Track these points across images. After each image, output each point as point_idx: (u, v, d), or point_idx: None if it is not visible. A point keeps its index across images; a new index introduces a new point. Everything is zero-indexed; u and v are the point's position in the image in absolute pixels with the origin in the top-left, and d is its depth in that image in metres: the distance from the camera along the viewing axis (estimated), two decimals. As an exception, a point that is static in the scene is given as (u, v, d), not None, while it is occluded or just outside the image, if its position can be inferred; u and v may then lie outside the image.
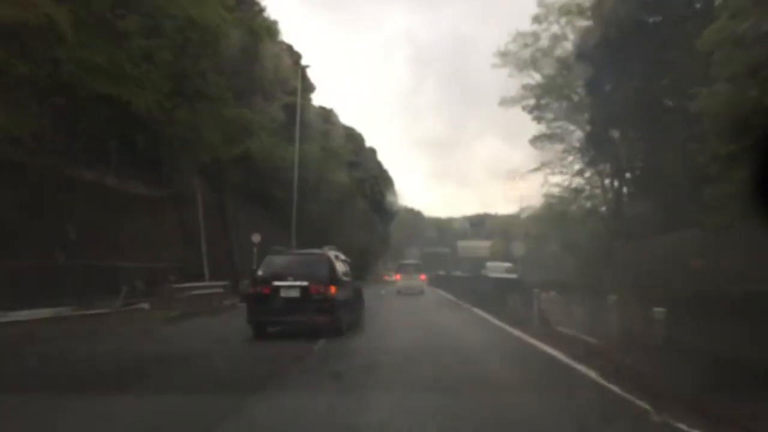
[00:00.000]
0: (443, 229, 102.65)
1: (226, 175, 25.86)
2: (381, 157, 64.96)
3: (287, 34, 40.54)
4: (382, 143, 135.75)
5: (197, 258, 21.65)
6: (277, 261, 11.68)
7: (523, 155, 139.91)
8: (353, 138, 53.51)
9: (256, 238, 22.65)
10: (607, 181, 30.59)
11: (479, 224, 67.91)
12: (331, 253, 12.20)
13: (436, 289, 35.08)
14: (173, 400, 5.96)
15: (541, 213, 37.12)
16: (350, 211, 48.19)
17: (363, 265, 55.31)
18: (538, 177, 31.79)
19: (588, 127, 27.89)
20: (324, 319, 10.80)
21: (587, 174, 31.50)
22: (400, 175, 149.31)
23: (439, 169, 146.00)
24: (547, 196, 32.30)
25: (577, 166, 31.41)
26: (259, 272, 11.45)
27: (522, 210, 75.56)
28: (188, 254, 21.71)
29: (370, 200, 57.47)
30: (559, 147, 31.48)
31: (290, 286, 10.92)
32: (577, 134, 31.43)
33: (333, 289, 11.09)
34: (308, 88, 44.84)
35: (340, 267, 12.19)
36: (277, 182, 28.79)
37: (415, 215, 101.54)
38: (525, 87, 31.01)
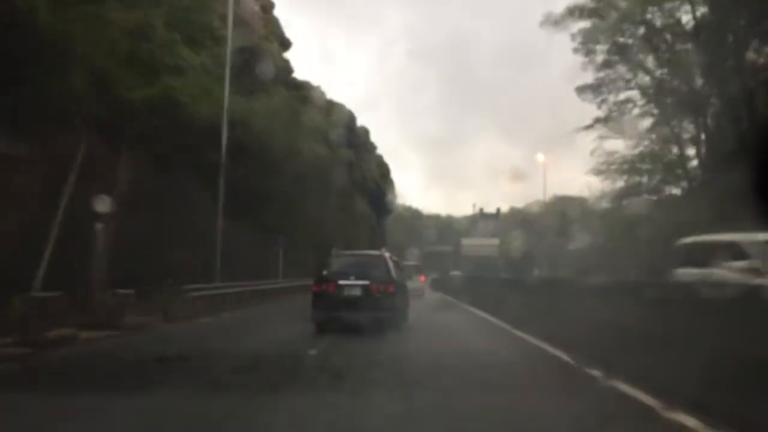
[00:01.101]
0: (444, 227, 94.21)
1: (129, 125, 16.58)
2: (378, 148, 55.91)
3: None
4: (382, 142, 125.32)
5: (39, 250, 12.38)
6: (340, 261, 12.25)
7: (524, 153, 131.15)
8: (342, 116, 44.25)
9: (98, 226, 13.01)
10: (679, 147, 21.45)
11: (491, 218, 57.69)
12: (386, 255, 12.65)
13: (463, 306, 24.52)
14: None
15: (580, 199, 27.68)
16: (337, 198, 38.98)
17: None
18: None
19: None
20: (383, 315, 11.26)
21: (653, 136, 22.32)
22: (399, 173, 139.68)
23: (439, 168, 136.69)
24: (599, 169, 23.06)
25: (645, 123, 22.28)
26: (324, 272, 11.85)
27: (529, 205, 66.75)
28: (30, 244, 12.42)
29: (362, 188, 48.29)
30: (618, 98, 22.36)
31: (353, 285, 11.38)
32: (641, 79, 22.28)
33: (391, 288, 11.65)
34: (284, 43, 35.68)
35: (393, 267, 12.46)
36: (217, 143, 19.48)
37: (413, 213, 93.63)
38: (572, 9, 21.78)
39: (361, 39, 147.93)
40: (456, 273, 51.10)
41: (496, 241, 70.92)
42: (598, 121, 22.44)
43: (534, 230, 51.61)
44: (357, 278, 11.42)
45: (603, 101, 22.92)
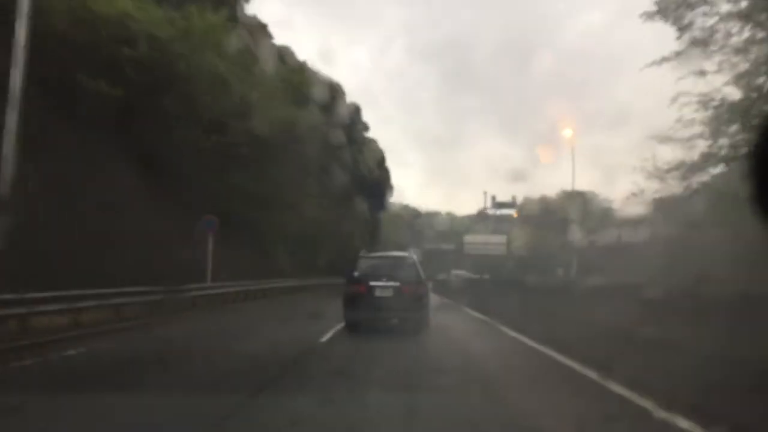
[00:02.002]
0: (445, 224, 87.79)
1: None
2: (373, 131, 48.49)
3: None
4: (380, 140, 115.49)
5: None
6: (370, 263, 12.16)
7: (526, 150, 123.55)
8: (324, 85, 36.75)
9: None
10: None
11: (507, 207, 48.91)
12: (414, 256, 12.83)
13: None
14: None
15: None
16: (319, 181, 31.63)
17: (334, 261, 38.82)
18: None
19: None
20: (414, 315, 11.29)
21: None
22: (398, 172, 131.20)
23: (439, 166, 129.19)
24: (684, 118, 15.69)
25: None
26: (355, 273, 11.73)
27: (543, 198, 58.97)
28: None
29: (353, 175, 40.90)
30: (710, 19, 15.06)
31: (384, 286, 11.32)
32: None
33: (421, 289, 11.71)
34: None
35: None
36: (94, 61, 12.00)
37: (412, 212, 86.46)
38: None
39: (359, 36, 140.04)
40: (460, 272, 43.92)
41: (503, 239, 63.68)
42: (693, 44, 15.03)
43: (552, 225, 44.20)
44: (388, 280, 11.38)
45: (686, 27, 15.56)
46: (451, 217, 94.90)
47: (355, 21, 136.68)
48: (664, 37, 16.92)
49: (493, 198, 43.18)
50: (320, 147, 30.25)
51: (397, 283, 11.26)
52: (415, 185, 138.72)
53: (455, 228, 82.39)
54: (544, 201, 48.86)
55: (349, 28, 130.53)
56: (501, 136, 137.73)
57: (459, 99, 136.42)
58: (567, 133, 35.69)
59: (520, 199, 45.79)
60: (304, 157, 27.13)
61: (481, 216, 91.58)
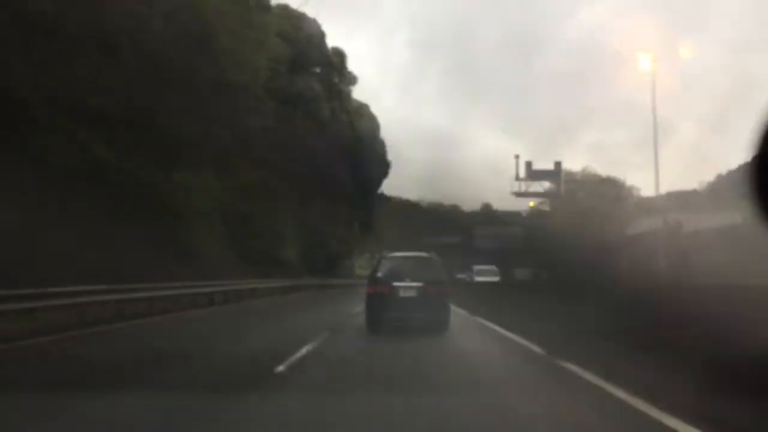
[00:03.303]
0: (449, 218, 78.55)
1: None
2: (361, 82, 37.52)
3: None
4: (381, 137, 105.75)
5: None
6: (392, 263, 12.06)
7: (528, 148, 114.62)
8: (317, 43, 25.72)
9: None
10: None
11: (548, 176, 35.74)
12: (437, 257, 12.58)
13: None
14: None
15: None
16: (264, 130, 20.48)
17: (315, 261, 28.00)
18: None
19: None
20: (437, 316, 11.02)
21: None
22: (399, 168, 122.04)
23: (440, 162, 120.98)
24: None
25: None
26: (378, 273, 11.62)
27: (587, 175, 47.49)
28: None
29: (333, 136, 29.90)
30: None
31: (408, 287, 11.21)
32: None
33: (445, 290, 11.48)
34: None
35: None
36: None
37: (413, 206, 78.96)
38: None
39: (359, 29, 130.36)
40: (485, 268, 33.19)
41: (521, 231, 53.18)
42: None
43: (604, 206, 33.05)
44: (412, 280, 11.07)
45: None
46: (454, 210, 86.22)
47: (356, 13, 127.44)
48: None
49: (528, 165, 31.84)
50: (269, 77, 19.20)
51: (420, 284, 10.97)
52: (415, 182, 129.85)
53: (457, 226, 73.75)
54: (588, 176, 37.70)
55: (349, 21, 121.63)
56: (503, 132, 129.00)
57: (461, 94, 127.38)
58: (644, 63, 24.36)
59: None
60: (236, 85, 16.01)
61: (484, 212, 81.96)
